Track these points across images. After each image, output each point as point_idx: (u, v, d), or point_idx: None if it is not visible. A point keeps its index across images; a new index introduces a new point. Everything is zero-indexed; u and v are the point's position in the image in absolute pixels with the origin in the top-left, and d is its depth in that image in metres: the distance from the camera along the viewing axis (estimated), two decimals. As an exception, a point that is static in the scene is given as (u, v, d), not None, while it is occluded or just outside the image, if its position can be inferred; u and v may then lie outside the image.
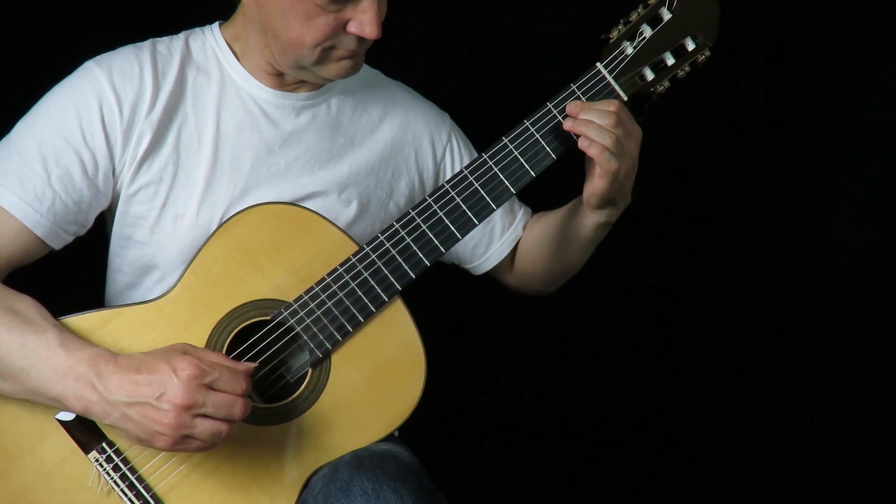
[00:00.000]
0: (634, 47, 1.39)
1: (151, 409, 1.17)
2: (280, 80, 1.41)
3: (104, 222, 1.44)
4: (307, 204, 1.39)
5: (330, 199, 1.43)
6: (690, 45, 1.41)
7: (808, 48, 2.20)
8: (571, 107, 1.35)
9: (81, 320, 1.28)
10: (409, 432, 1.46)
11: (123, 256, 1.41)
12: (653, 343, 2.35)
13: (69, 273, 1.57)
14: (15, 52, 1.90)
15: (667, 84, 1.43)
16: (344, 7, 1.28)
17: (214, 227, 1.34)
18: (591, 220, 1.43)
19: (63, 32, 1.88)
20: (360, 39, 1.31)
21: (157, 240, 1.37)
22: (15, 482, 1.25)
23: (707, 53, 1.43)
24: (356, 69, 1.38)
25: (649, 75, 1.41)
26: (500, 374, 2.31)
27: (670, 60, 1.41)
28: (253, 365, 1.25)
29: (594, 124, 1.32)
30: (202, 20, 1.46)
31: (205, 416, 1.18)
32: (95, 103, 1.33)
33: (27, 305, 1.26)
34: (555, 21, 2.19)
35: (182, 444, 1.18)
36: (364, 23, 1.28)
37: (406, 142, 1.53)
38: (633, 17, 1.40)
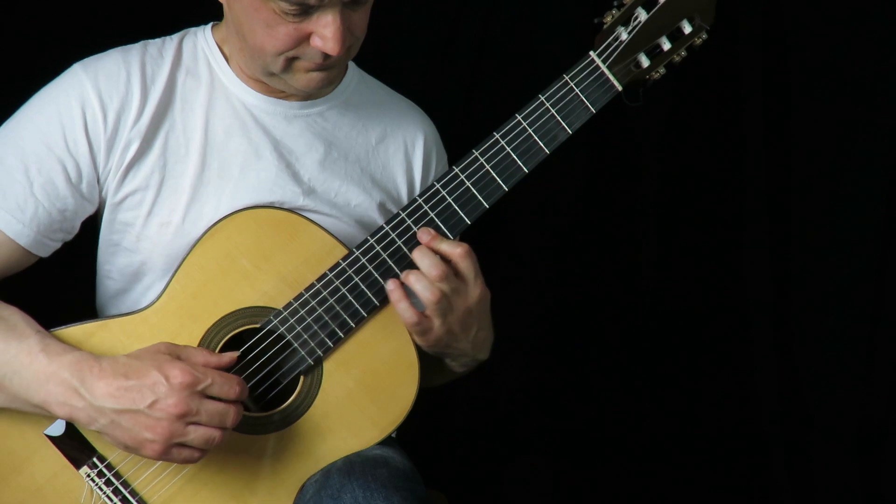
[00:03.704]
0: (629, 32, 1.34)
1: (143, 416, 1.15)
2: (267, 85, 1.36)
3: (94, 226, 1.39)
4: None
5: (318, 207, 1.38)
6: (687, 28, 1.36)
7: (808, 36, 2.16)
8: (422, 233, 1.29)
9: (66, 333, 1.25)
10: (407, 433, 1.45)
11: (113, 263, 1.38)
12: (652, 344, 2.33)
13: (59, 279, 1.54)
14: (8, 51, 1.84)
15: (663, 70, 1.38)
16: (306, 18, 1.22)
17: (201, 235, 1.29)
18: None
19: (60, 29, 1.82)
20: (326, 53, 1.25)
21: (144, 247, 1.34)
22: (7, 500, 1.24)
23: (704, 36, 1.38)
24: (329, 82, 1.33)
25: (645, 62, 1.36)
26: (499, 374, 2.28)
27: (666, 45, 1.36)
28: (235, 354, 1.24)
29: (422, 280, 1.26)
30: (201, 20, 1.42)
31: (197, 423, 1.16)
32: (79, 110, 1.28)
33: (11, 313, 1.24)
34: (556, 13, 2.13)
35: (172, 452, 1.17)
36: (326, 38, 1.23)
37: (400, 163, 1.48)
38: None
